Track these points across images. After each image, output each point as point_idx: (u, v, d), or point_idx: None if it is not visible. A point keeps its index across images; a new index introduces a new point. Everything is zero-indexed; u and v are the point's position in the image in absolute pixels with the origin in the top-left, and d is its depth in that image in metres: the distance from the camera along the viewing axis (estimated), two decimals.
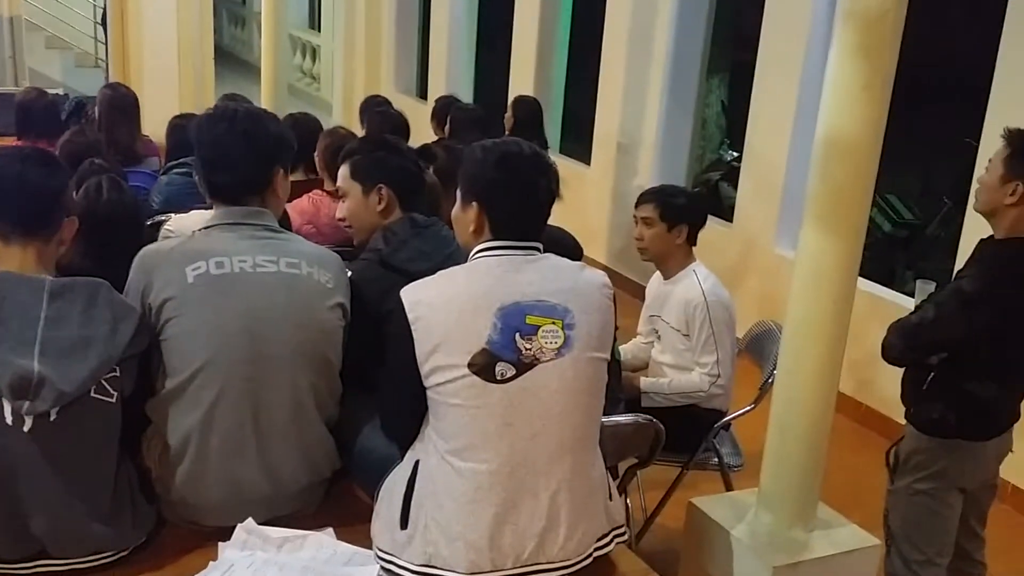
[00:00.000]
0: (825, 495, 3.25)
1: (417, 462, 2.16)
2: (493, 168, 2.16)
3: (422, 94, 9.88)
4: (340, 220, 2.88)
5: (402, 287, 2.13)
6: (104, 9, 10.02)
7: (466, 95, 8.65)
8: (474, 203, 2.16)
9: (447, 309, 2.06)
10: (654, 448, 2.78)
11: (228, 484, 2.27)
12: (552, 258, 2.20)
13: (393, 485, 2.20)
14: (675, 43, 6.35)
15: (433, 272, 2.17)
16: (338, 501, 2.47)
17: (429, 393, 2.09)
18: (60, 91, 6.86)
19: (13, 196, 2.13)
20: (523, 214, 2.18)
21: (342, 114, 10.21)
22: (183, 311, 2.22)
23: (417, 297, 2.09)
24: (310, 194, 4.14)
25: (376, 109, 5.47)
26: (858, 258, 2.98)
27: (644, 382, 3.57)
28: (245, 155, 2.35)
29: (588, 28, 7.46)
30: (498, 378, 2.03)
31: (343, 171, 2.81)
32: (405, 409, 2.20)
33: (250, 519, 2.22)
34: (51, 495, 2.06)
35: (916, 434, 3.02)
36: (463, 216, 2.21)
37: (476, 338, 2.03)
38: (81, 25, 11.20)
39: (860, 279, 3.24)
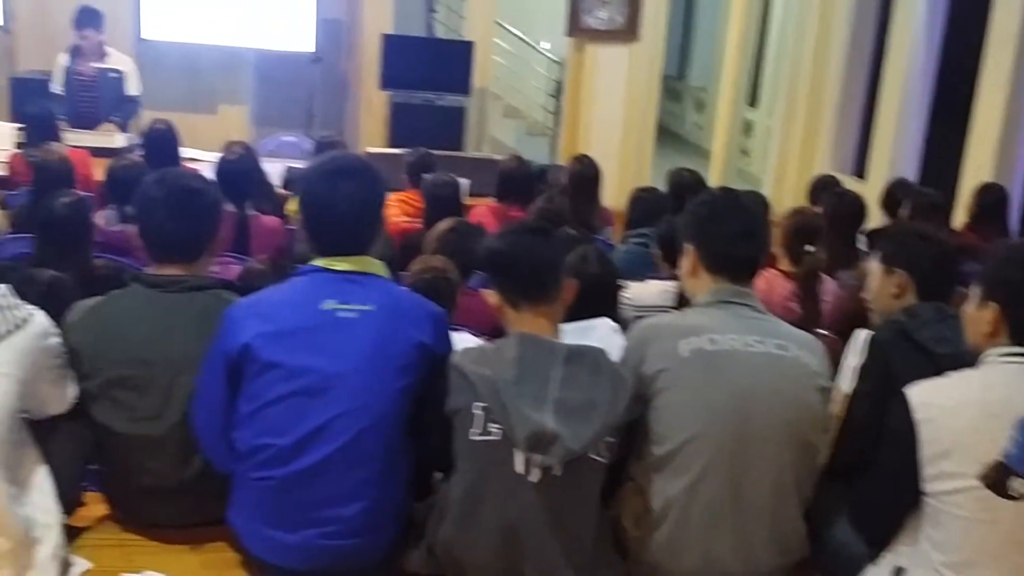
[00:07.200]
0: None
1: (900, 569, 2.09)
2: (1019, 269, 2.05)
3: (859, 172, 9.58)
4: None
5: (920, 365, 2.06)
6: (559, 82, 10.83)
7: (911, 175, 8.25)
8: (993, 304, 2.07)
9: (960, 414, 1.97)
10: None
11: (702, 556, 2.32)
12: None
13: None
14: None
15: (955, 358, 2.09)
16: None
17: (929, 500, 2.01)
18: None
19: (517, 267, 2.36)
20: None
21: (772, 189, 10.17)
22: (676, 383, 2.31)
23: (927, 398, 2.02)
24: (764, 272, 4.13)
25: (834, 190, 5.36)
26: None
27: None
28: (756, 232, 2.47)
29: None
30: (1011, 494, 1.91)
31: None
32: (891, 507, 2.14)
33: None
34: (545, 545, 2.21)
35: None
36: (978, 315, 2.12)
37: (990, 448, 1.93)
38: (534, 96, 12.14)
39: None
